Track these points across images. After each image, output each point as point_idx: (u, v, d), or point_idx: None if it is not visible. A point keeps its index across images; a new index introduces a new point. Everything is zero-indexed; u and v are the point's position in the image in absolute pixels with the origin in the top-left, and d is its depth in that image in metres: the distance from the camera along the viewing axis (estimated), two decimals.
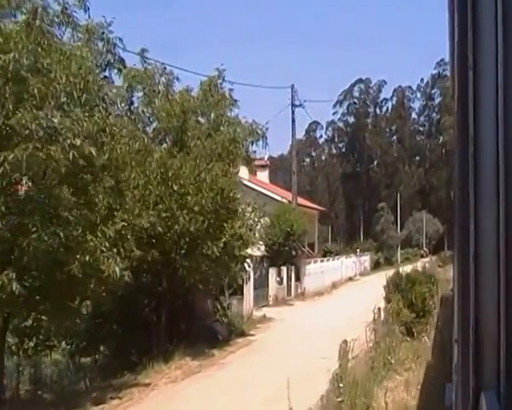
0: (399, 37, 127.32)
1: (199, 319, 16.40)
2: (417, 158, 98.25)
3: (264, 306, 23.44)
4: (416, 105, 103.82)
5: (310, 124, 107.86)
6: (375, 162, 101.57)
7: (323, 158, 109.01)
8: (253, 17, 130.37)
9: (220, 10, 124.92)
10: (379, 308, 13.15)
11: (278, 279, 25.48)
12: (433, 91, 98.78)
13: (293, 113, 31.77)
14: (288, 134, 33.48)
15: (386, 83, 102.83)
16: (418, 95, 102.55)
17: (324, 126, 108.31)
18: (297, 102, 31.92)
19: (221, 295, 18.68)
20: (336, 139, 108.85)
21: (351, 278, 38.30)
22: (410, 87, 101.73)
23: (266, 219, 23.15)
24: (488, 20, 1.30)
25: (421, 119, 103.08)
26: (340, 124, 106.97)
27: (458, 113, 1.47)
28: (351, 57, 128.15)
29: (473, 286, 1.48)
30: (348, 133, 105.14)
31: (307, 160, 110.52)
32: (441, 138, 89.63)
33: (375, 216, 78.82)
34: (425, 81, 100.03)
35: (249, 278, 20.48)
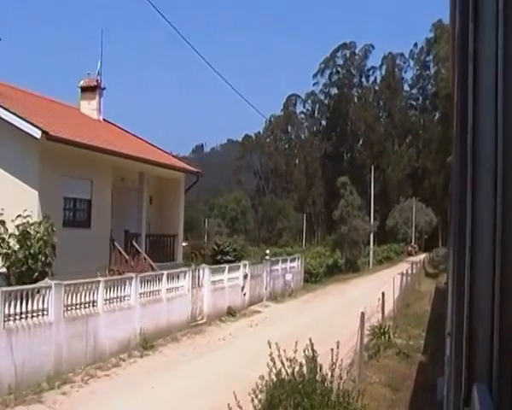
0: None
1: None
2: (409, 137, 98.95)
3: None
4: (409, 75, 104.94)
5: (288, 97, 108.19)
6: (360, 141, 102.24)
7: (302, 137, 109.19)
8: None
9: None
10: None
11: None
12: (428, 59, 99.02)
13: None
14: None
15: (373, 48, 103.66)
16: (411, 63, 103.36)
17: (303, 99, 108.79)
18: None
19: None
20: (316, 114, 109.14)
21: (231, 313, 21.99)
22: (402, 54, 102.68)
23: None
24: (489, 11, 1.50)
25: (414, 91, 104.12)
26: (322, 96, 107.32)
27: (458, 103, 1.68)
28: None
29: (468, 277, 1.69)
30: (330, 107, 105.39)
31: (284, 137, 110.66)
32: (437, 114, 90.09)
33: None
34: (419, 47, 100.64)
35: None
